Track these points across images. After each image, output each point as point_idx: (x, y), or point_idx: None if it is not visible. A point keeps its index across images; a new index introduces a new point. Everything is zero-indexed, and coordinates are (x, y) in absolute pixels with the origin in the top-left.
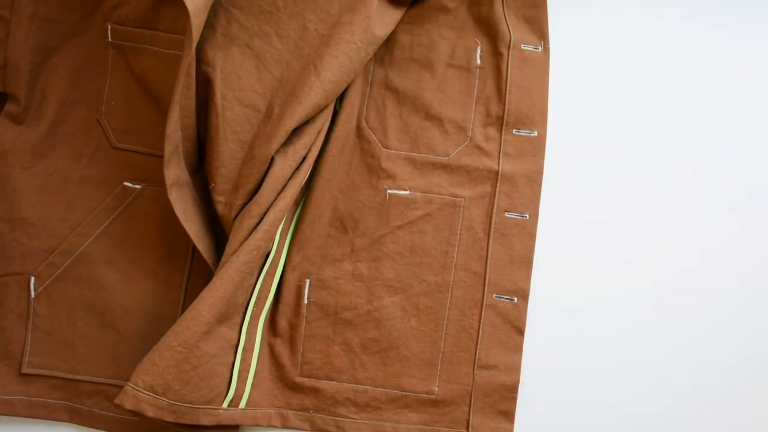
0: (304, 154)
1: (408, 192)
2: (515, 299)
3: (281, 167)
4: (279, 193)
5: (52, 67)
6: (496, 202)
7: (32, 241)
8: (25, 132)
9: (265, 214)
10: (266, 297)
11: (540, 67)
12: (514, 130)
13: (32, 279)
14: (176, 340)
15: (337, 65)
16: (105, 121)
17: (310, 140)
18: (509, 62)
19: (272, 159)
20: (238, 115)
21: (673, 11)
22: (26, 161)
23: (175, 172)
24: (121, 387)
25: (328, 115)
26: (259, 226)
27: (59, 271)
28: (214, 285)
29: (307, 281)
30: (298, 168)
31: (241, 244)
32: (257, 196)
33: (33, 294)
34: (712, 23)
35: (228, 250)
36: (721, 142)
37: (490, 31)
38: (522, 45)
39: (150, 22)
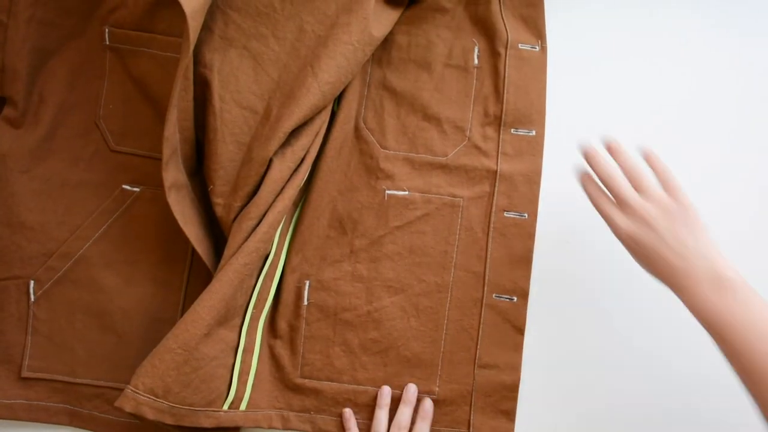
0: (302, 156)
1: (407, 192)
2: (515, 299)
3: (279, 169)
4: (277, 195)
5: (49, 71)
6: (494, 202)
7: (31, 245)
8: (23, 136)
9: (263, 216)
10: (266, 299)
11: (537, 67)
12: (512, 130)
13: (32, 283)
14: (176, 343)
15: (334, 66)
16: (103, 125)
17: (308, 142)
18: (506, 62)
19: (270, 161)
20: (236, 117)
21: (670, 10)
22: (24, 165)
23: (174, 175)
24: (121, 390)
25: (325, 116)
26: (257, 228)
27: (58, 274)
28: (213, 287)
29: (307, 282)
30: (296, 170)
31: (240, 246)
32: (255, 198)
33: (32, 298)
34: (709, 21)
35: (227, 252)
36: (720, 141)
37: (487, 30)
38: (519, 44)
39: (147, 24)
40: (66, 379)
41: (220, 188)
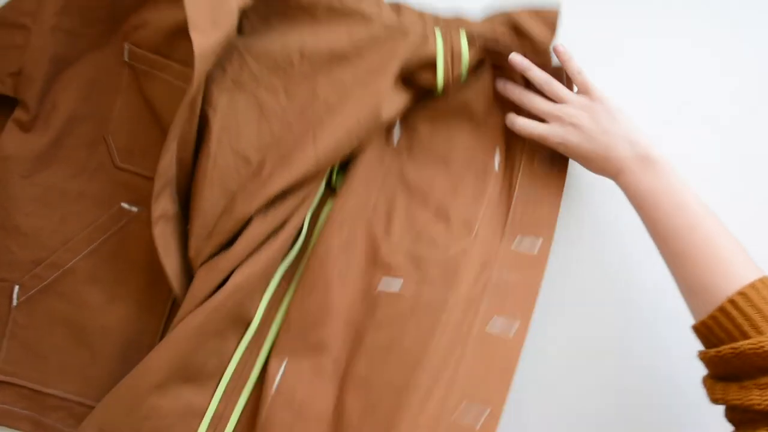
0: (283, 219)
1: (399, 286)
2: (486, 413)
3: (258, 228)
4: (250, 255)
5: (66, 79)
6: (484, 308)
7: (22, 250)
8: (31, 140)
9: (233, 272)
10: (250, 371)
11: (555, 181)
12: (515, 242)
13: (16, 288)
14: (126, 388)
15: (335, 138)
16: (111, 140)
17: (293, 205)
18: (520, 172)
19: (251, 218)
20: (228, 164)
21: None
22: (27, 170)
23: (164, 206)
24: (87, 406)
25: (316, 185)
26: (223, 287)
27: (44, 283)
28: (170, 339)
29: (282, 367)
30: (276, 233)
31: (204, 297)
32: (229, 251)
33: (15, 302)
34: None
35: (188, 296)
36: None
37: (510, 137)
38: (537, 155)
39: (165, 50)
40: (35, 387)
41: (197, 230)
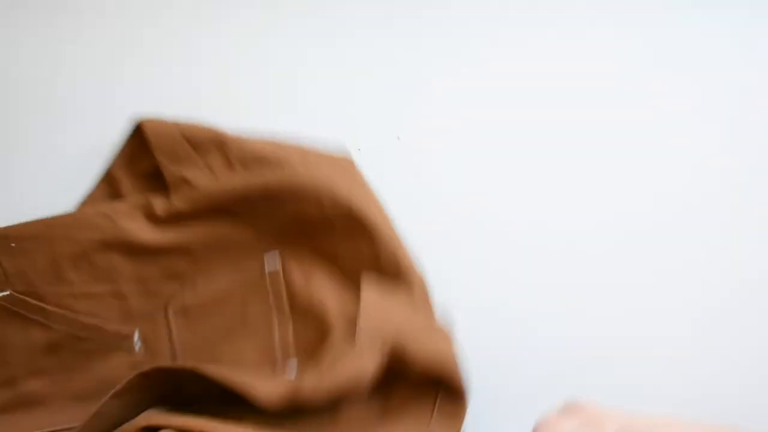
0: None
1: None
2: None
3: None
4: None
5: (212, 230)
6: None
7: (38, 274)
8: (142, 231)
9: None
10: None
11: None
12: None
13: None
14: None
15: None
16: (187, 291)
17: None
18: None
19: None
20: None
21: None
22: (113, 243)
23: None
24: None
25: None
26: None
27: (17, 310)
28: None
29: None
30: None
31: None
32: None
33: None
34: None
35: None
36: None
37: None
38: None
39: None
40: None
41: None
